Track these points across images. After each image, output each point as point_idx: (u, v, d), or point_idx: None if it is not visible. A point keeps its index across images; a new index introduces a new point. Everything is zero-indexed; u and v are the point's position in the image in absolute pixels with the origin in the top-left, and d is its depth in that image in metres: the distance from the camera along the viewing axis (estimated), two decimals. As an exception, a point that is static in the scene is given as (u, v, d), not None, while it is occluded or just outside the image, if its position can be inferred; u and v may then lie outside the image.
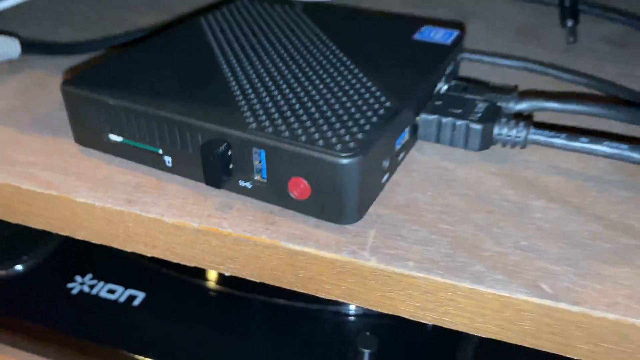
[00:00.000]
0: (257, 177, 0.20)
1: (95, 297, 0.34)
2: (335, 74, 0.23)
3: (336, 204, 0.19)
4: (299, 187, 0.19)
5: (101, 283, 0.35)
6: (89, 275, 0.36)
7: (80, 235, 0.22)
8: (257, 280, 0.21)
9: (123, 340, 0.32)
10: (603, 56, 0.33)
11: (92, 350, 0.32)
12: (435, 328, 0.30)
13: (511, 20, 0.38)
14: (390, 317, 0.32)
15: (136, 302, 0.33)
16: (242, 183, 0.20)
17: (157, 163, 0.22)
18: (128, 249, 0.22)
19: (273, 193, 0.20)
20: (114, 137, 0.23)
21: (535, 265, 0.18)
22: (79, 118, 0.23)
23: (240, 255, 0.20)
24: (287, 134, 0.19)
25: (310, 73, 0.23)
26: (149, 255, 0.22)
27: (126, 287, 0.35)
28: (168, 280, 0.35)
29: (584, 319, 0.17)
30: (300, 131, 0.19)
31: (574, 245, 0.19)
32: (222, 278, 0.35)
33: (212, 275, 0.35)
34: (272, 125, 0.19)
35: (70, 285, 0.35)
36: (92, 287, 0.35)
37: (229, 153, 0.20)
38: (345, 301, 0.20)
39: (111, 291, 0.34)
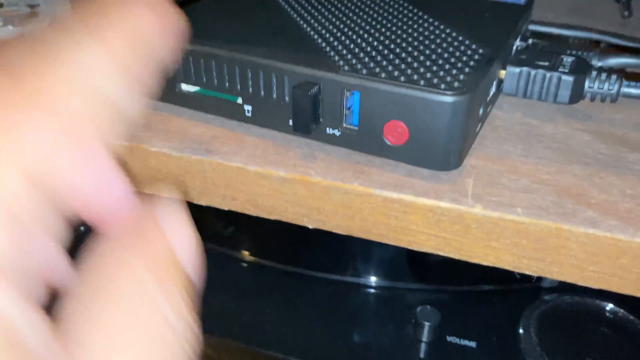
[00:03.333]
0: (346, 125, 0.19)
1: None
2: (418, 27, 0.22)
3: (437, 148, 0.18)
4: (395, 132, 0.18)
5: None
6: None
7: (151, 190, 0.21)
8: (344, 233, 0.20)
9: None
10: (660, 29, 0.32)
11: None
12: (499, 299, 0.30)
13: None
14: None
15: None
16: (329, 131, 0.20)
17: (234, 113, 0.21)
18: (203, 202, 0.21)
19: (365, 140, 0.19)
20: (187, 87, 0.22)
21: (648, 212, 0.17)
22: (148, 68, 0.22)
23: (329, 204, 0.19)
24: (383, 75, 0.18)
25: (393, 27, 0.22)
26: (226, 209, 0.21)
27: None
28: (212, 255, 0.34)
29: None
30: (396, 73, 0.18)
31: (683, 194, 0.18)
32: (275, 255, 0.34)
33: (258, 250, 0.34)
34: (366, 67, 0.19)
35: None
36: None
37: (320, 97, 0.19)
38: (439, 253, 0.19)
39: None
